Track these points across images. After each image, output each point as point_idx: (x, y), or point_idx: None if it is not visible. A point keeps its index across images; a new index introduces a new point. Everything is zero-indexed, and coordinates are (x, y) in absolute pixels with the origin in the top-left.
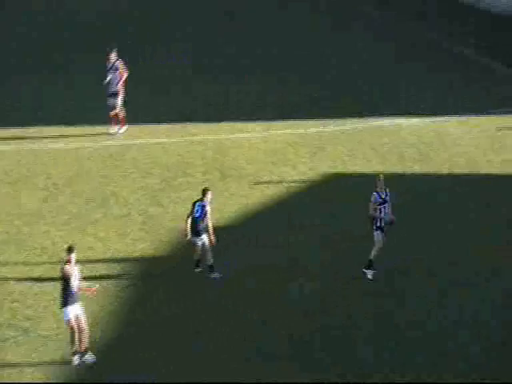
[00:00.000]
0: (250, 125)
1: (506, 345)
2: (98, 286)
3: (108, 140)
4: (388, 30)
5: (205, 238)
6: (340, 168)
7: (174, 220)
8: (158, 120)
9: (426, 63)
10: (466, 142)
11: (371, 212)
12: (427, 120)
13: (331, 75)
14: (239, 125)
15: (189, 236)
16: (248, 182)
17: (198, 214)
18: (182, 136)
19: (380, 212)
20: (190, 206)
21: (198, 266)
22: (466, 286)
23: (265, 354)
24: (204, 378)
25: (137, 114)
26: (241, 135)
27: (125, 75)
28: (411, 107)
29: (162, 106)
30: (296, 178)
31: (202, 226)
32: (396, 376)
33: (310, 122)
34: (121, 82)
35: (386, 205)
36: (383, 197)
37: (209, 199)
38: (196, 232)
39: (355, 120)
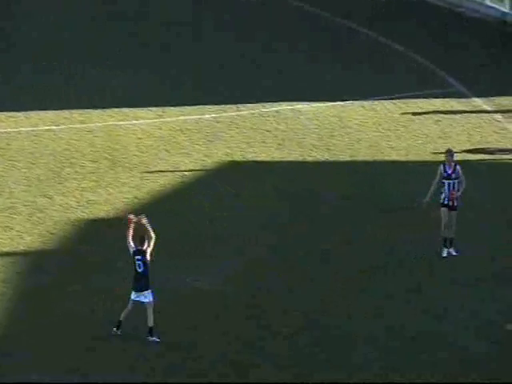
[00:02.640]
0: (142, 111)
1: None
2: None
3: None
4: (286, 12)
5: (149, 294)
6: (237, 155)
7: (61, 211)
8: (44, 106)
9: (328, 46)
10: (368, 128)
11: (432, 186)
12: (328, 105)
13: (224, 60)
14: (130, 111)
15: (134, 296)
16: (140, 171)
17: (141, 269)
18: (71, 123)
19: (445, 187)
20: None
21: (119, 327)
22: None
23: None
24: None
25: (22, 100)
26: (132, 122)
27: None
28: (311, 91)
29: (48, 92)
30: (191, 166)
31: (146, 280)
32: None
33: (205, 108)
34: None
35: (451, 181)
36: (449, 171)
37: (147, 245)
38: (140, 288)
39: (252, 105)
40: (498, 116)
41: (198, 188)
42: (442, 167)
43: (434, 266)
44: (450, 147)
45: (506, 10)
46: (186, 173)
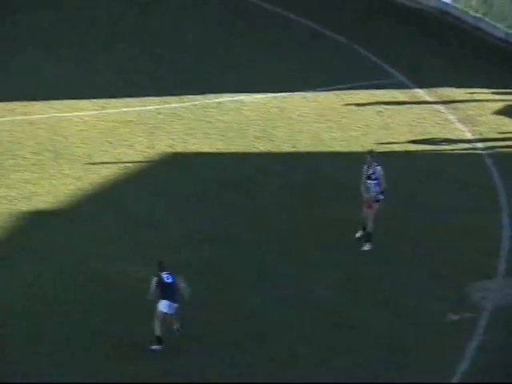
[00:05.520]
0: (85, 103)
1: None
2: None
3: None
4: (228, 3)
5: (177, 307)
6: (179, 147)
7: (4, 203)
8: None
9: (270, 37)
10: (310, 119)
11: (361, 185)
12: (270, 96)
13: (167, 51)
14: (73, 103)
15: (162, 307)
16: (83, 162)
17: (170, 280)
18: (13, 115)
19: (367, 187)
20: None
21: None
22: None
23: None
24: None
25: None
26: (75, 114)
27: None
28: (254, 83)
29: None
30: (133, 157)
31: (179, 293)
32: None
33: (148, 99)
34: None
35: (371, 181)
36: (369, 172)
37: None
38: (174, 298)
39: (194, 96)
40: (440, 107)
41: (140, 180)
42: (365, 167)
43: (372, 256)
44: (372, 149)
45: (446, 0)
46: (128, 164)
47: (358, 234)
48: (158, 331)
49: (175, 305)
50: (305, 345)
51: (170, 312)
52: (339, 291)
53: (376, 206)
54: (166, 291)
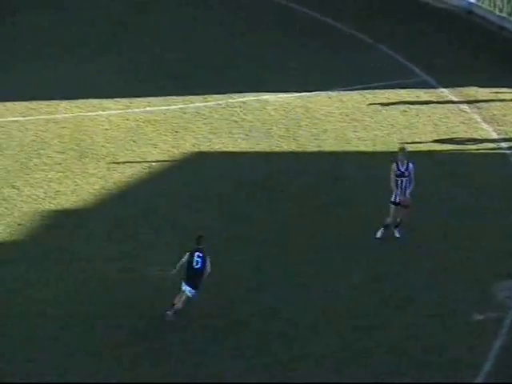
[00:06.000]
0: (110, 102)
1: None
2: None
3: None
4: (252, 2)
5: (193, 292)
6: (204, 146)
7: (29, 202)
8: (11, 97)
9: (291, 35)
10: (335, 119)
11: (391, 183)
12: (295, 95)
13: (191, 50)
14: (97, 102)
15: (184, 287)
16: (107, 161)
17: (199, 266)
18: (38, 114)
19: (397, 185)
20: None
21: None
22: None
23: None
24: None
25: None
26: (99, 113)
27: None
28: (278, 82)
29: (15, 83)
30: (158, 157)
31: (202, 279)
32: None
33: (172, 99)
34: None
35: (403, 179)
36: (402, 169)
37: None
38: (194, 284)
39: (218, 96)
40: (465, 106)
41: (165, 179)
42: (394, 165)
43: (395, 256)
44: (403, 145)
45: (471, 0)
46: (153, 163)
47: (378, 234)
48: (175, 301)
49: (193, 290)
50: (320, 345)
51: (189, 293)
52: (361, 291)
53: (409, 201)
54: (189, 275)
